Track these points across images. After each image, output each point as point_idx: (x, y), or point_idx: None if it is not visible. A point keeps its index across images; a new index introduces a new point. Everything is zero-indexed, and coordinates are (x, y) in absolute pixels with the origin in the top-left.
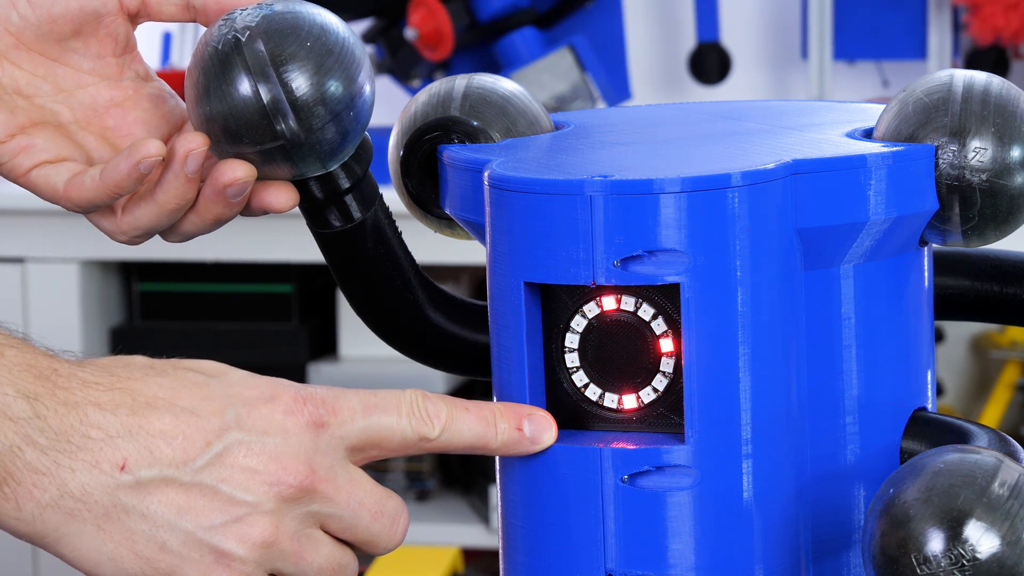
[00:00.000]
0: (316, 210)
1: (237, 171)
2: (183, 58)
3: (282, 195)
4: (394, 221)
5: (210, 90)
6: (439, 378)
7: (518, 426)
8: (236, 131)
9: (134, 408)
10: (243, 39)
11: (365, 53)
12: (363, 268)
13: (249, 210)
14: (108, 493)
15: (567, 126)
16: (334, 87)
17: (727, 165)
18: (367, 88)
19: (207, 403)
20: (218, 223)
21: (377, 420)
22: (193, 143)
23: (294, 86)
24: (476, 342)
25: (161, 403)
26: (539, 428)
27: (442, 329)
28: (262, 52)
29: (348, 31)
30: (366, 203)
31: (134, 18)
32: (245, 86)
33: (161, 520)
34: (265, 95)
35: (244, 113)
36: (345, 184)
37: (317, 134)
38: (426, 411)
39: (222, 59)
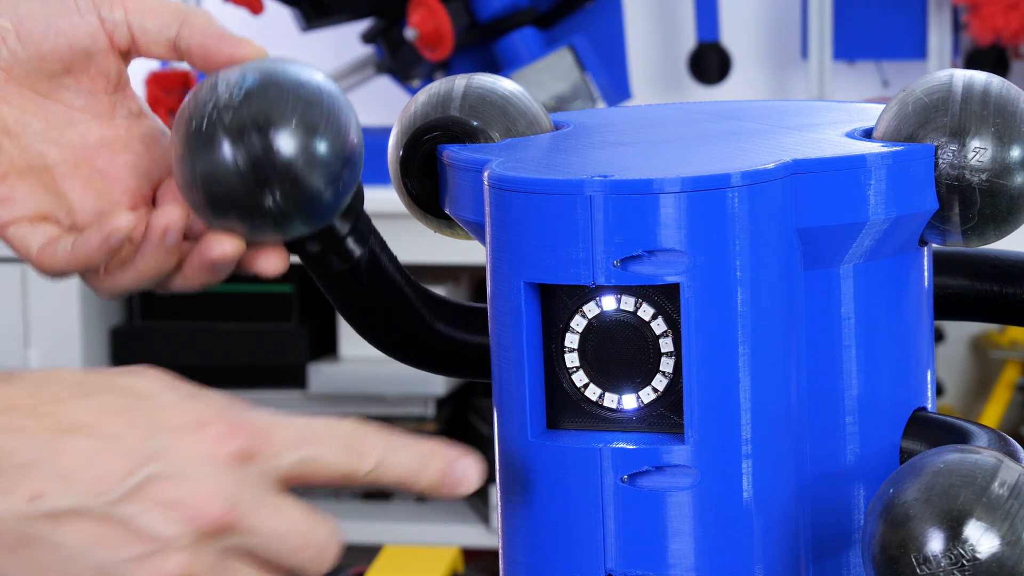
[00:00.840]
0: (314, 258)
1: (225, 247)
2: None
3: (272, 260)
4: (389, 249)
5: (193, 156)
6: (440, 378)
7: (446, 468)
8: (221, 203)
9: (55, 433)
10: (226, 103)
11: (351, 107)
12: (366, 299)
13: (238, 271)
14: (20, 521)
15: (567, 126)
16: (324, 148)
17: (727, 165)
18: (356, 143)
19: (132, 430)
20: (205, 286)
21: (310, 453)
22: (171, 216)
23: (281, 154)
24: (480, 345)
25: (84, 428)
26: (465, 473)
27: (447, 338)
28: (245, 116)
29: (333, 87)
30: (363, 239)
31: (125, 55)
32: (228, 158)
33: (73, 551)
34: (248, 166)
35: (228, 185)
36: (344, 230)
37: (307, 202)
38: (362, 446)
39: (206, 130)
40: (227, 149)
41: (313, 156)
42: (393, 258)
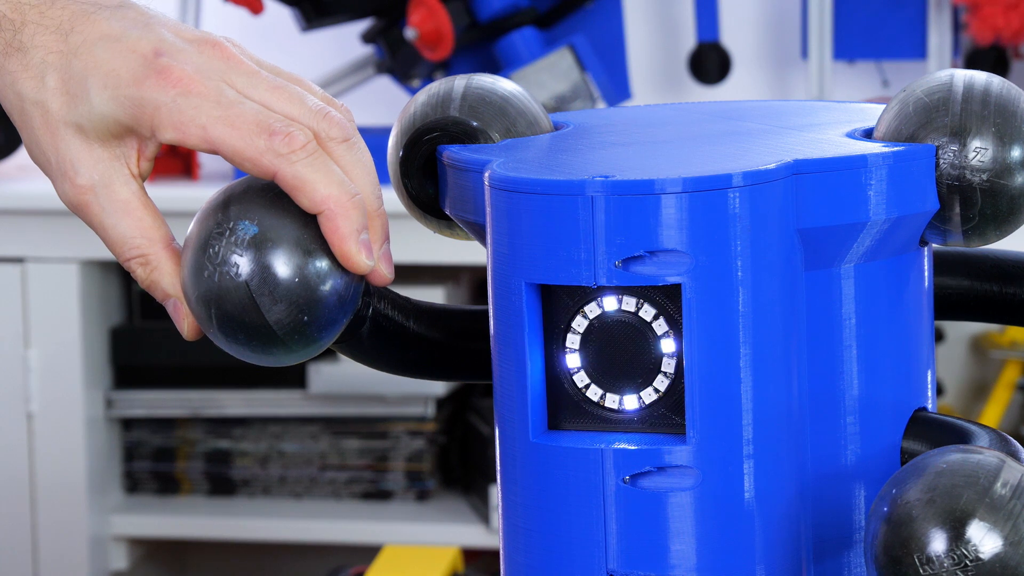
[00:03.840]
0: None
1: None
2: None
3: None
4: (381, 290)
5: (199, 279)
6: None
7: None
8: (226, 319)
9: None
10: (231, 228)
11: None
12: (374, 349)
13: None
14: None
15: (567, 126)
16: (320, 278)
17: (728, 165)
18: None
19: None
20: None
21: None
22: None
23: (278, 275)
24: (483, 350)
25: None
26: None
27: (457, 348)
28: (248, 240)
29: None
30: (364, 307)
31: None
32: (231, 277)
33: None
34: (253, 286)
35: (232, 303)
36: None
37: (307, 325)
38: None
39: (212, 247)
40: (233, 289)
41: (317, 291)
42: (393, 301)
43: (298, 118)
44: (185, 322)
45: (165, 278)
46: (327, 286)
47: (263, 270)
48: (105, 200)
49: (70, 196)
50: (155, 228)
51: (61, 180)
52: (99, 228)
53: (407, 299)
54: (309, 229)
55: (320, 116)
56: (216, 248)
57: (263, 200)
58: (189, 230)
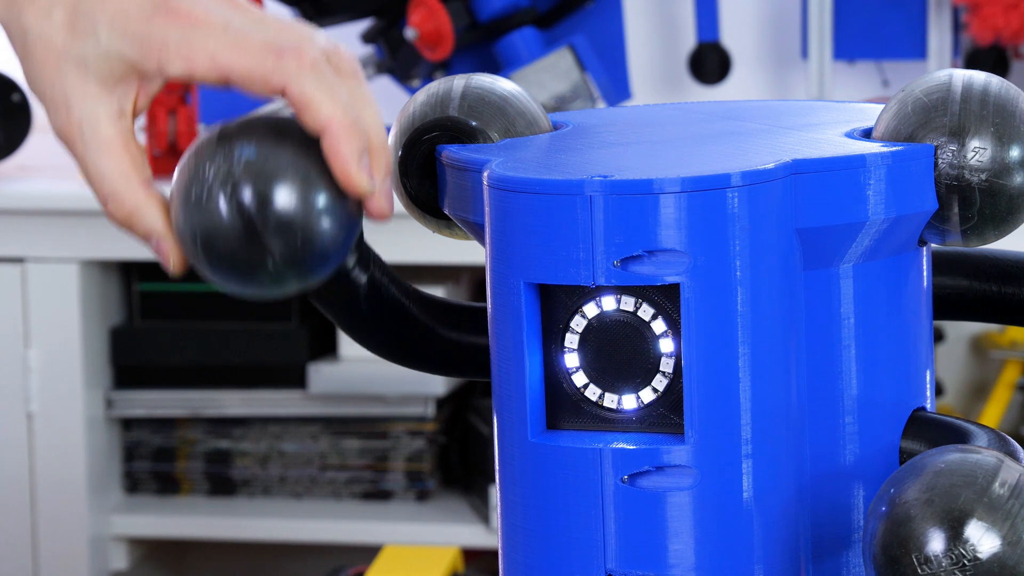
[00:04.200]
0: (318, 292)
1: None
2: None
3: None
4: (386, 265)
5: (192, 210)
6: (440, 378)
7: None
8: (218, 251)
9: None
10: (226, 158)
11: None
12: (370, 320)
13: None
14: None
15: (566, 126)
16: (317, 206)
17: (727, 165)
18: (352, 204)
19: None
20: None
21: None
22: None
23: (275, 206)
24: (480, 345)
25: None
26: None
27: (457, 341)
28: (244, 171)
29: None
30: (363, 268)
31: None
32: (226, 207)
33: None
34: (249, 215)
35: (226, 234)
36: (349, 264)
37: (300, 254)
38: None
39: (206, 177)
40: (226, 213)
41: (312, 218)
42: (393, 277)
43: (307, 49)
44: (171, 257)
45: (146, 217)
46: (324, 214)
47: (259, 196)
48: (90, 137)
49: (59, 129)
50: (135, 169)
51: (54, 113)
52: (81, 163)
53: (408, 283)
54: (308, 158)
55: (329, 48)
56: (211, 173)
57: (261, 129)
58: (180, 162)
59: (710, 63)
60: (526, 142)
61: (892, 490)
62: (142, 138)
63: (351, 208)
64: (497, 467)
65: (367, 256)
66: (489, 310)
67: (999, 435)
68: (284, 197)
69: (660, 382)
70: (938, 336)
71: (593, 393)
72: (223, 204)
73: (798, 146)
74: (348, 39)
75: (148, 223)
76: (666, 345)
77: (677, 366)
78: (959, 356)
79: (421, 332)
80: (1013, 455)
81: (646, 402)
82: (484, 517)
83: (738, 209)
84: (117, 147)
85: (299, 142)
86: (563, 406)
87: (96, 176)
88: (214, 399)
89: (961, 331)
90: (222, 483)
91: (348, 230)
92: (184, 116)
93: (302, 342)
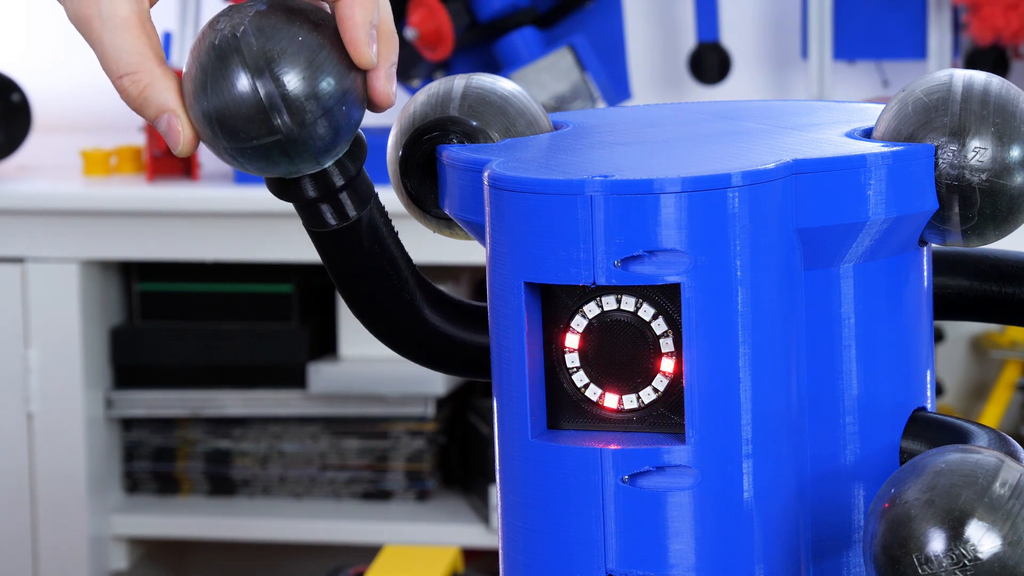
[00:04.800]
0: (311, 208)
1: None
2: (182, 58)
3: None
4: (390, 221)
5: (208, 87)
6: (440, 378)
7: None
8: (233, 127)
9: None
10: (239, 36)
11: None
12: (359, 267)
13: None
14: None
15: (567, 126)
16: (325, 83)
17: (727, 165)
18: (359, 83)
19: None
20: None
21: None
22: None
23: (286, 81)
24: (473, 343)
25: None
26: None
27: (437, 329)
28: (256, 49)
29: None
30: (361, 201)
31: None
32: (243, 83)
33: None
34: (262, 91)
35: (241, 109)
36: (339, 181)
37: (310, 129)
38: None
39: (219, 56)
40: (240, 71)
41: (317, 80)
42: (394, 234)
43: None
44: (181, 135)
45: (159, 93)
46: (336, 88)
47: (271, 69)
48: (108, 16)
49: (76, 12)
50: (150, 47)
51: None
52: (97, 43)
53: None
54: (321, 35)
55: None
56: (224, 49)
57: (272, 6)
58: (194, 42)
59: (710, 63)
60: (526, 142)
61: (892, 490)
62: (142, 138)
63: (359, 86)
64: (497, 467)
65: (368, 195)
66: (489, 310)
67: (999, 435)
68: (297, 71)
69: (660, 382)
70: (938, 336)
71: (593, 393)
72: (236, 78)
73: (798, 146)
74: None
75: (163, 98)
76: (666, 345)
77: (677, 366)
78: (959, 356)
79: (407, 303)
80: (1013, 455)
81: (646, 402)
82: (484, 517)
83: (738, 209)
84: (135, 25)
85: (310, 19)
86: (563, 406)
87: (114, 53)
88: (214, 399)
89: (961, 331)
90: (222, 483)
91: (357, 108)
92: None
93: (302, 342)
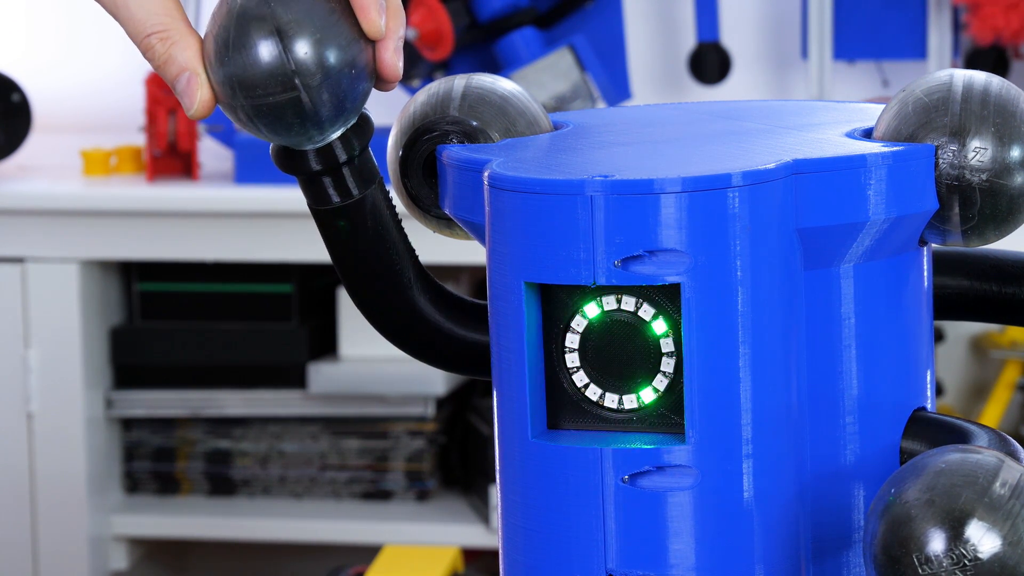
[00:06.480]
0: (314, 183)
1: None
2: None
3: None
4: (394, 206)
5: (229, 48)
6: (440, 378)
7: None
8: (251, 84)
9: None
10: (259, 1)
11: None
12: (360, 249)
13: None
14: None
15: (566, 126)
16: (337, 47)
17: (727, 165)
18: (368, 53)
19: None
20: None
21: None
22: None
23: (301, 44)
24: (473, 340)
25: None
26: None
27: (435, 322)
28: (274, 14)
29: None
30: (364, 181)
31: None
32: (262, 44)
33: None
34: (279, 52)
35: (259, 67)
36: (343, 157)
37: (320, 90)
38: None
39: (240, 19)
40: (256, 36)
41: (326, 47)
42: (397, 220)
43: None
44: (198, 93)
45: (183, 51)
46: (344, 50)
47: (286, 35)
48: None
49: None
50: (177, 8)
51: None
52: (122, 7)
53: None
54: (332, 1)
55: None
56: (244, 15)
57: None
58: (215, 7)
59: (710, 63)
60: (526, 142)
61: (892, 490)
62: (142, 138)
63: (369, 57)
64: (497, 467)
65: (371, 176)
66: (490, 310)
67: (999, 435)
68: (310, 35)
69: (661, 382)
70: (938, 336)
71: (594, 393)
72: (256, 40)
73: (798, 146)
74: None
75: (185, 57)
76: (667, 345)
77: (678, 366)
78: (959, 356)
79: (402, 287)
80: (1013, 455)
81: (647, 402)
82: (484, 517)
83: (739, 209)
84: None
85: None
86: (564, 406)
87: (141, 13)
88: (214, 399)
89: (961, 331)
90: (222, 483)
91: (366, 78)
92: (184, 116)
93: (302, 342)
